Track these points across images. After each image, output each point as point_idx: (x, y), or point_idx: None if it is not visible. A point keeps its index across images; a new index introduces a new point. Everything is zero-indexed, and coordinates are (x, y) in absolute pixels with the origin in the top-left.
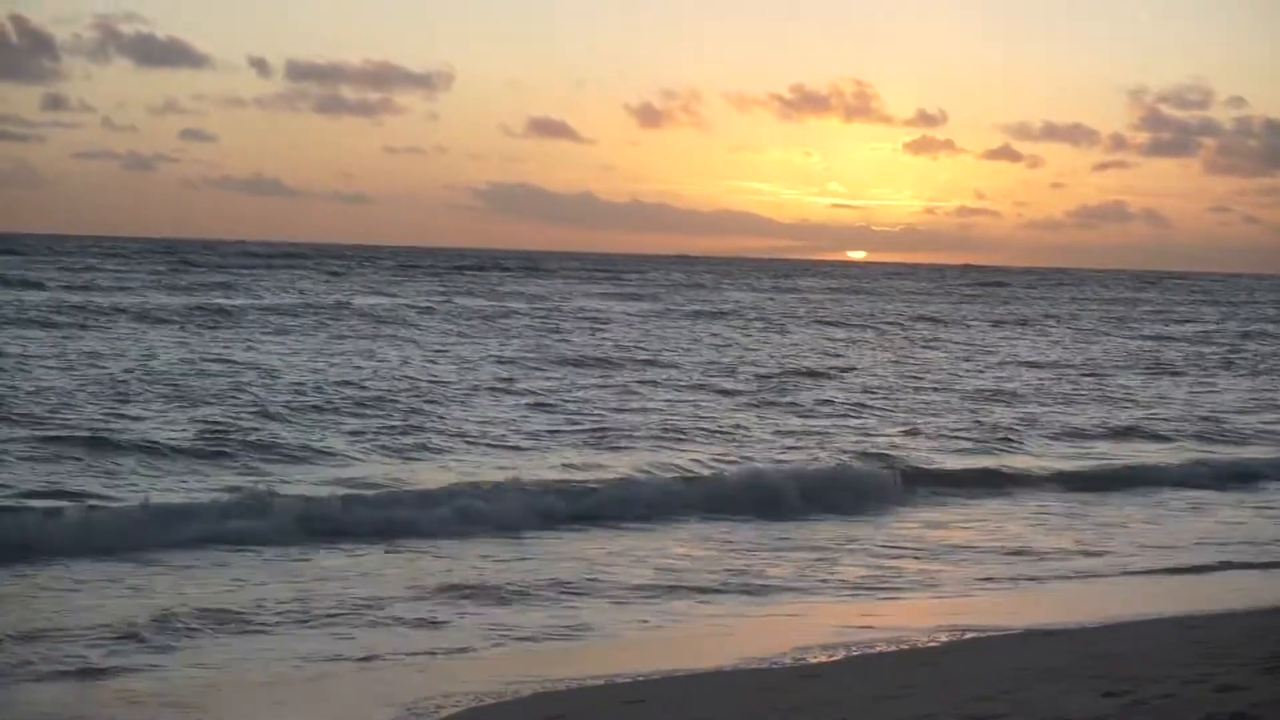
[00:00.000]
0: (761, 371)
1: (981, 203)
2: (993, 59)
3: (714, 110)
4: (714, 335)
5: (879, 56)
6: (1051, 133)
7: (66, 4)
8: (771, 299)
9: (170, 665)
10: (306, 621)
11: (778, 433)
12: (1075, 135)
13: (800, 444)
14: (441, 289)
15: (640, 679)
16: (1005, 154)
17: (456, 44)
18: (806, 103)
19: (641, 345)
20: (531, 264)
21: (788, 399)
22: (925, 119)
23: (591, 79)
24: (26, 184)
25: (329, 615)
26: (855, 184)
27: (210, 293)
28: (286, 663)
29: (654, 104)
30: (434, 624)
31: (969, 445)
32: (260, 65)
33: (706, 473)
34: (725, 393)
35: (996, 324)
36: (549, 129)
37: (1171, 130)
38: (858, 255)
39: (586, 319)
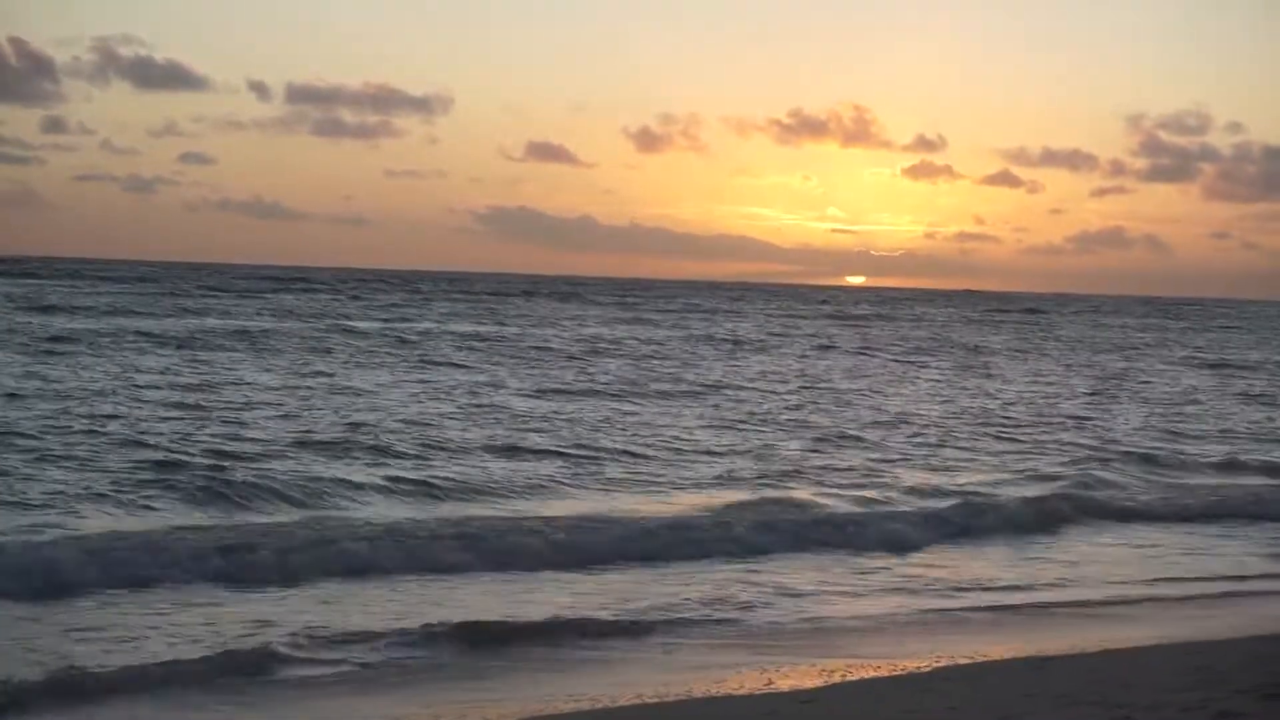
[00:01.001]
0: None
1: (981, 228)
2: (991, 84)
3: (713, 134)
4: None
5: (877, 81)
6: (1050, 158)
7: (65, 26)
8: (832, 327)
9: None
10: None
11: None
12: (1074, 161)
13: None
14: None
15: (639, 705)
16: (1004, 179)
17: (455, 67)
18: (805, 127)
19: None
20: (542, 288)
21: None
22: (924, 144)
23: (590, 103)
24: (26, 206)
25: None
26: (854, 209)
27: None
28: None
29: (652, 128)
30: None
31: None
32: (259, 88)
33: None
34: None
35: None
36: (548, 153)
37: (1170, 156)
38: (857, 280)
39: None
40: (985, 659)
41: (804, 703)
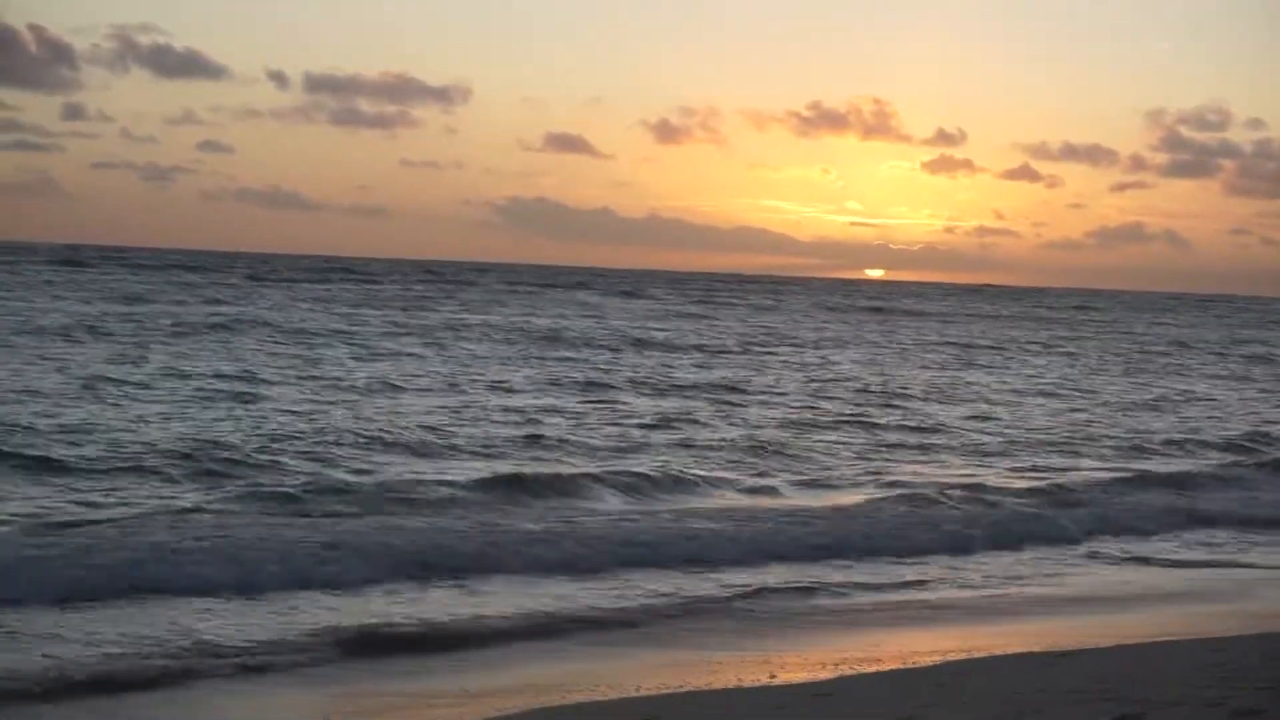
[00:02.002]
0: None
1: (1000, 222)
2: (1011, 79)
3: (731, 127)
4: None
5: (897, 75)
6: (1070, 153)
7: (84, 14)
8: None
9: None
10: None
11: None
12: (1094, 156)
13: None
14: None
15: (652, 695)
16: (1024, 174)
17: (473, 58)
18: (824, 120)
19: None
20: (571, 278)
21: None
22: (944, 138)
23: (608, 95)
24: (45, 193)
25: None
26: (873, 202)
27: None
28: None
29: (671, 120)
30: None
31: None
32: (278, 77)
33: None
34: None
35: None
36: (566, 144)
37: (1190, 152)
38: (876, 274)
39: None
40: (998, 653)
41: (817, 696)
